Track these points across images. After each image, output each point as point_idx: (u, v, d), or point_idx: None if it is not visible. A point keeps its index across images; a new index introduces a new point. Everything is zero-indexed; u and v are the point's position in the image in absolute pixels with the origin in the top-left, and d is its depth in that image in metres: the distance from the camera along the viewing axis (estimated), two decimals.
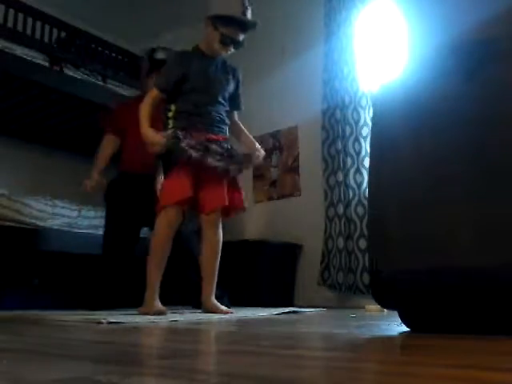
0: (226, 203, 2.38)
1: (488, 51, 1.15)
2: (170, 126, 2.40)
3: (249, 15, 2.43)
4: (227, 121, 2.54)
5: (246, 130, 2.70)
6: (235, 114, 2.67)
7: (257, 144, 2.66)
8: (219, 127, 2.47)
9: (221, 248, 2.47)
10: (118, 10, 4.38)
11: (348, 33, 3.57)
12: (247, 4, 2.41)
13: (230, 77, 2.57)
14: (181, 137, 2.29)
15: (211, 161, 2.32)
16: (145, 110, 2.41)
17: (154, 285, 2.32)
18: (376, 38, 3.53)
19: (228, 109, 2.55)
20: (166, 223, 2.34)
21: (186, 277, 2.85)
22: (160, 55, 3.01)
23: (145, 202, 2.74)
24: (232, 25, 2.40)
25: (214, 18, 2.42)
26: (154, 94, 2.44)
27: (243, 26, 2.42)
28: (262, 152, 2.63)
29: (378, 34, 3.52)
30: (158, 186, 2.63)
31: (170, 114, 2.44)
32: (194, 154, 2.28)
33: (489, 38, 1.17)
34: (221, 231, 2.47)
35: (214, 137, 2.40)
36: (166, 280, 2.40)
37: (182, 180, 2.30)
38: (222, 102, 2.51)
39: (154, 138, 2.33)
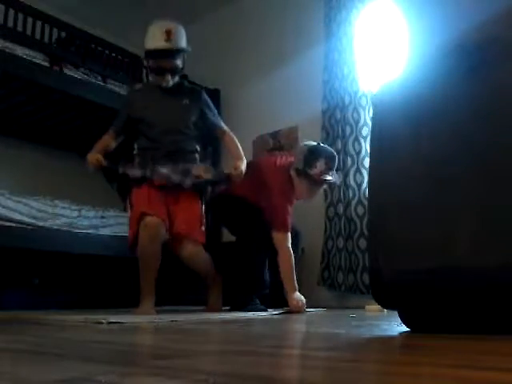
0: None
1: (488, 51, 1.15)
2: None
3: (177, 39, 2.42)
4: (193, 148, 2.51)
5: (236, 146, 2.59)
6: (222, 130, 2.62)
7: (238, 161, 2.53)
8: (183, 158, 2.45)
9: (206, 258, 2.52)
10: (118, 10, 4.38)
11: (348, 33, 3.57)
12: (169, 28, 2.40)
13: (188, 101, 2.52)
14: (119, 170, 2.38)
15: (157, 174, 2.36)
16: (100, 142, 2.49)
17: (146, 289, 2.32)
18: (376, 37, 3.52)
19: (196, 134, 2.52)
20: (147, 236, 2.31)
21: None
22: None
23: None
24: (158, 56, 2.42)
25: (145, 53, 2.47)
26: (108, 134, 2.53)
27: (169, 54, 2.42)
28: (239, 170, 2.49)
29: (377, 34, 3.52)
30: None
31: (135, 152, 2.50)
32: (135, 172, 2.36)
33: (489, 37, 1.17)
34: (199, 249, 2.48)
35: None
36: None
37: (147, 193, 2.37)
38: (184, 130, 2.48)
39: (90, 157, 2.38)
